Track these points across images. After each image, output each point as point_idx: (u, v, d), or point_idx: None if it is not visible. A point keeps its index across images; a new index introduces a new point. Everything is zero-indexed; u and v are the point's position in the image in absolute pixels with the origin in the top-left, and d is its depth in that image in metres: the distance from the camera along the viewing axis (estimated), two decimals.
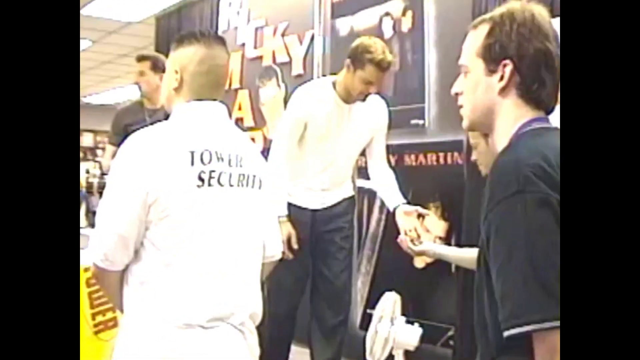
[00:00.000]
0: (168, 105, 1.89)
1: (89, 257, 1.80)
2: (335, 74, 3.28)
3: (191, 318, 1.70)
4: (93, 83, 12.85)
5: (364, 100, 3.12)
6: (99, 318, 2.35)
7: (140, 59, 4.13)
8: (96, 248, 1.74)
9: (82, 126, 16.71)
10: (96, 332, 2.35)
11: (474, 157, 2.32)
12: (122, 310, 1.84)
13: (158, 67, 3.92)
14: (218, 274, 1.75)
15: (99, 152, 16.88)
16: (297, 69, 4.18)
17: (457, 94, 1.48)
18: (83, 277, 2.35)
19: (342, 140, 3.18)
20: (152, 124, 4.13)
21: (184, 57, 1.83)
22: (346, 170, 3.30)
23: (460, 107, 1.48)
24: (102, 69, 11.20)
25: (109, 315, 2.36)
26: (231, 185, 1.77)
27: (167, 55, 1.92)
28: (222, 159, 1.76)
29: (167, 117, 1.91)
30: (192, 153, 1.71)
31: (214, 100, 1.85)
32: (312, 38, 4.11)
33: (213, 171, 1.73)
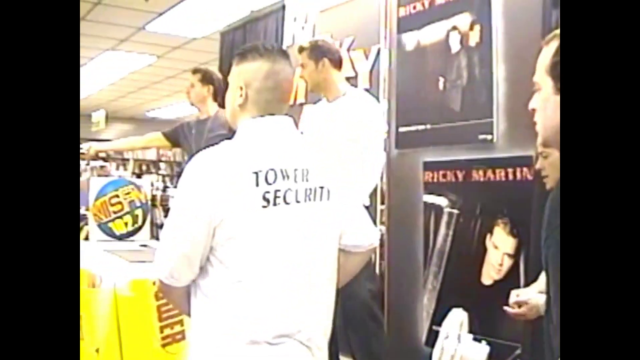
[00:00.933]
0: (233, 121, 1.89)
1: (154, 272, 1.82)
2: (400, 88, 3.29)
3: (257, 335, 1.70)
4: (157, 97, 13.12)
5: None
6: (167, 331, 2.37)
7: (193, 71, 4.35)
8: (161, 265, 1.76)
9: None
10: (164, 345, 2.36)
11: (539, 165, 2.25)
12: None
13: (206, 80, 4.21)
14: (285, 291, 1.74)
15: (162, 165, 17.19)
16: (363, 83, 4.15)
17: (533, 110, 1.46)
18: (152, 290, 2.37)
19: None
20: (197, 132, 4.31)
21: (249, 73, 1.82)
22: None
23: (535, 123, 1.45)
24: (165, 83, 11.41)
25: (177, 328, 2.38)
26: (297, 202, 1.75)
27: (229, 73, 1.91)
28: (288, 176, 1.74)
29: (232, 133, 1.92)
30: (257, 174, 1.70)
31: (280, 114, 1.83)
32: (378, 53, 4.09)
33: (278, 190, 1.71)
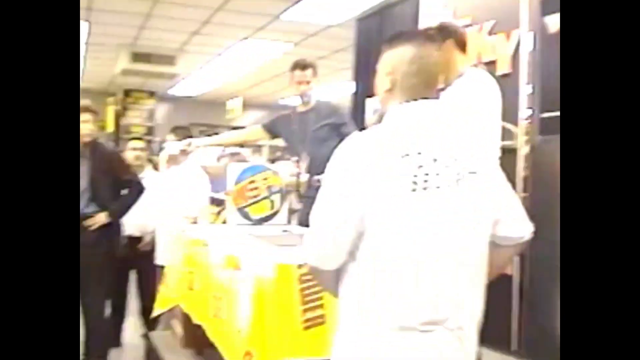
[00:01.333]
0: (383, 107, 1.90)
1: (302, 255, 1.88)
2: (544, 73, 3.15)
3: (407, 321, 1.70)
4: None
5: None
6: (309, 314, 2.40)
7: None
8: (310, 248, 1.81)
9: None
10: (305, 328, 2.40)
11: None
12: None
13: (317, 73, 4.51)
14: (434, 277, 1.72)
15: None
16: (503, 68, 4.03)
17: None
18: (295, 274, 2.41)
19: None
20: (300, 123, 4.41)
21: (395, 59, 1.85)
22: None
23: None
24: None
25: (319, 312, 2.41)
26: (448, 186, 1.73)
27: (367, 56, 1.95)
28: (437, 160, 1.73)
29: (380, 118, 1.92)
30: (406, 157, 1.70)
31: (428, 98, 1.83)
32: (520, 36, 3.95)
33: (427, 174, 1.71)
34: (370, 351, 1.73)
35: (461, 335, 1.75)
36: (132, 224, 5.60)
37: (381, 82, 1.89)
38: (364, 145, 1.76)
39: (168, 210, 4.97)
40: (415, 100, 1.81)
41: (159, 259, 5.08)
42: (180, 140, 5.13)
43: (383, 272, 1.71)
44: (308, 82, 4.39)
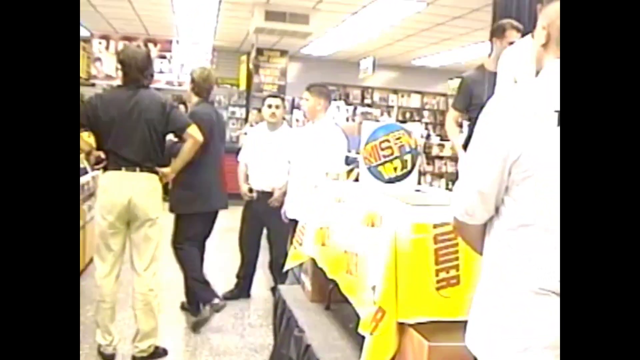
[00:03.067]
0: (538, 62, 1.86)
1: (451, 208, 1.93)
2: None
3: (546, 283, 1.67)
4: (424, 45, 13.13)
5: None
6: (442, 275, 2.37)
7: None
8: (457, 202, 1.86)
9: (410, 87, 17.21)
10: (438, 288, 2.37)
11: None
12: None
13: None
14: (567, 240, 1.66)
15: (425, 112, 17.31)
16: None
17: None
18: (431, 233, 2.38)
19: None
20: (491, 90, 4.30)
21: (551, 13, 1.80)
22: None
23: None
24: (433, 30, 11.36)
25: (453, 272, 2.38)
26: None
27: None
28: None
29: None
30: (559, 113, 1.64)
31: None
32: None
33: None
34: (508, 312, 1.73)
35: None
36: (262, 179, 5.76)
37: (537, 36, 1.85)
38: (516, 99, 1.75)
39: (305, 166, 5.04)
40: None
41: (289, 214, 5.18)
42: (317, 97, 5.16)
43: (526, 230, 1.71)
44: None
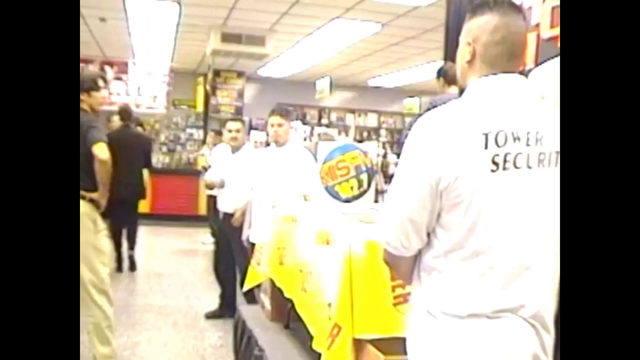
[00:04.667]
0: (462, 80, 1.84)
1: (380, 239, 1.85)
2: None
3: (477, 308, 1.68)
4: (380, 65, 13.26)
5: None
6: (399, 291, 2.41)
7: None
8: (389, 232, 1.77)
9: (367, 107, 17.34)
10: (395, 304, 2.42)
11: None
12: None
13: None
14: (510, 262, 1.68)
15: (382, 131, 17.46)
16: None
17: None
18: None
19: None
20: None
21: (477, 28, 1.76)
22: None
23: None
24: (388, 51, 11.50)
25: (409, 288, 2.41)
26: (529, 167, 1.67)
27: (458, 36, 1.87)
28: (519, 139, 1.66)
29: (461, 92, 1.89)
30: (486, 135, 1.64)
31: (511, 72, 1.74)
32: None
33: (508, 154, 1.64)
34: (440, 337, 1.72)
35: (536, 324, 1.71)
36: (226, 201, 5.81)
37: (461, 53, 1.81)
38: (442, 122, 1.69)
39: (275, 190, 5.05)
40: (496, 74, 1.73)
41: (252, 238, 5.16)
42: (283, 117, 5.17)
43: (456, 258, 1.68)
44: None
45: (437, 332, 1.72)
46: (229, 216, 5.69)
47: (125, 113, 8.06)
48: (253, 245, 4.97)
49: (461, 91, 1.83)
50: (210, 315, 6.06)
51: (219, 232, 6.12)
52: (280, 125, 5.09)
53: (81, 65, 12.26)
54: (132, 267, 8.01)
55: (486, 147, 1.64)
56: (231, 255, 5.73)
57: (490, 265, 1.67)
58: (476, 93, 1.74)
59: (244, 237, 5.40)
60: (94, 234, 4.19)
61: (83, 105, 4.14)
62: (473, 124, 1.66)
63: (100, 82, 4.34)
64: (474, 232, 1.66)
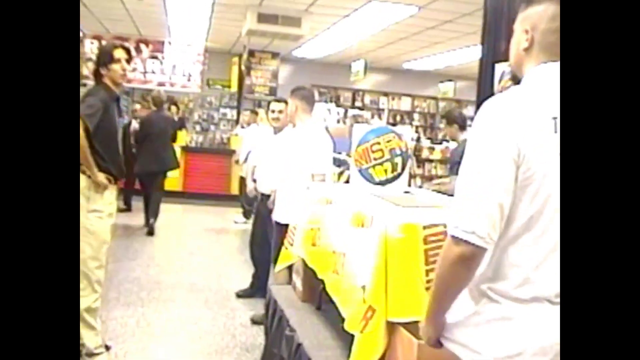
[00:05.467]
0: (518, 68, 1.84)
1: (459, 233, 1.66)
2: None
3: (540, 291, 1.67)
4: (415, 49, 13.18)
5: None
6: (432, 275, 2.38)
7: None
8: (473, 223, 1.65)
9: (401, 90, 17.27)
10: (427, 288, 2.40)
11: None
12: None
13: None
14: (557, 250, 1.66)
15: (415, 115, 17.37)
16: None
17: None
18: (421, 234, 2.42)
19: None
20: None
21: (535, 15, 1.77)
22: None
23: None
24: (424, 34, 11.41)
25: None
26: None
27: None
28: None
29: (516, 79, 1.87)
30: (555, 120, 1.63)
31: None
32: None
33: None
34: (501, 321, 1.71)
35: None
36: (263, 181, 5.84)
37: (518, 40, 1.82)
38: (513, 107, 1.68)
39: (293, 169, 5.05)
40: (555, 61, 1.73)
41: (276, 217, 5.19)
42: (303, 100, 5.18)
43: (521, 240, 1.68)
44: None
45: (499, 317, 1.72)
46: (266, 197, 5.70)
47: (156, 99, 9.25)
48: (278, 224, 5.00)
49: (513, 78, 1.82)
50: (242, 294, 6.10)
51: (255, 213, 6.14)
52: (281, 111, 5.13)
53: (113, 41, 12.36)
54: (150, 232, 8.75)
55: (555, 132, 1.64)
56: (266, 236, 5.74)
57: (551, 248, 1.67)
58: (539, 79, 1.75)
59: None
60: (85, 211, 3.89)
61: (105, 80, 4.07)
62: (542, 107, 1.66)
63: (118, 54, 4.11)
64: (540, 216, 1.66)
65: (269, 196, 5.62)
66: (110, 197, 4.14)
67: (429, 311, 1.88)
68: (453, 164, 5.71)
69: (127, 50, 4.21)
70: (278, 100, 6.05)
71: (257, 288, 6.04)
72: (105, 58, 4.09)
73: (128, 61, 4.19)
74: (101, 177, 3.98)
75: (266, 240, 5.76)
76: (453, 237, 1.68)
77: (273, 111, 5.89)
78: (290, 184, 4.98)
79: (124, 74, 4.16)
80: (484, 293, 1.76)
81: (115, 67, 4.08)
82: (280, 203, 5.12)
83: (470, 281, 1.74)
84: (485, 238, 1.64)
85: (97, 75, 4.11)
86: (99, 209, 4.04)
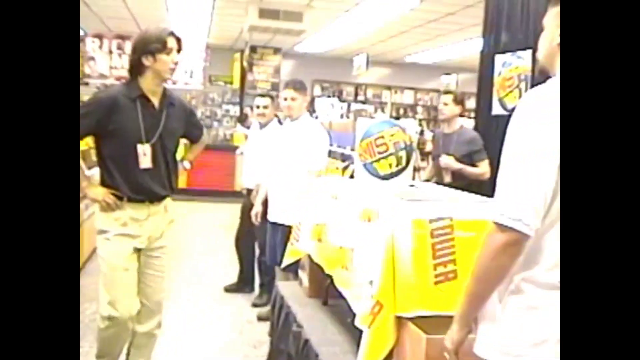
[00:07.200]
0: (549, 62, 1.85)
1: (507, 221, 1.65)
2: None
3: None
4: (417, 42, 13.15)
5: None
6: (440, 269, 2.39)
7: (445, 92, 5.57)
8: (525, 213, 1.65)
9: (404, 84, 17.23)
10: (436, 283, 2.39)
11: None
12: None
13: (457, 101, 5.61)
14: None
15: (418, 108, 17.34)
16: None
17: None
18: (428, 228, 2.41)
19: None
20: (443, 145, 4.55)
21: None
22: None
23: None
24: (426, 27, 11.39)
25: (450, 267, 2.40)
26: None
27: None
28: None
29: (544, 75, 1.87)
30: None
31: None
32: None
33: None
34: (529, 306, 1.73)
35: None
36: (249, 177, 5.83)
37: (551, 35, 1.82)
38: (553, 98, 1.65)
39: (288, 165, 5.00)
40: None
41: (273, 217, 5.10)
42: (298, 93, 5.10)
43: (557, 226, 1.68)
44: None
45: (525, 307, 1.73)
46: (250, 192, 5.70)
47: None
48: (273, 224, 4.98)
49: (541, 72, 1.84)
50: (229, 289, 6.24)
51: (242, 208, 6.09)
52: (293, 99, 5.02)
53: (117, 41, 12.36)
54: None
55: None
56: (252, 231, 5.73)
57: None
58: None
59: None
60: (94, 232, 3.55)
61: (146, 73, 3.43)
62: None
63: (171, 42, 3.45)
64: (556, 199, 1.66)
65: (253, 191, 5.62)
66: (121, 214, 3.49)
67: (463, 310, 1.88)
68: (436, 156, 5.54)
69: (179, 40, 3.52)
70: (262, 95, 6.02)
71: (243, 283, 6.17)
72: (154, 46, 3.39)
73: (179, 52, 3.52)
74: (96, 193, 3.42)
75: (252, 235, 5.76)
76: (498, 224, 1.67)
77: (258, 107, 5.85)
78: (281, 181, 4.96)
79: (174, 67, 3.50)
80: (511, 282, 1.76)
81: (165, 58, 3.42)
82: (276, 203, 5.08)
83: (510, 272, 1.74)
84: (530, 225, 1.65)
85: (136, 67, 3.45)
86: (104, 228, 3.48)
